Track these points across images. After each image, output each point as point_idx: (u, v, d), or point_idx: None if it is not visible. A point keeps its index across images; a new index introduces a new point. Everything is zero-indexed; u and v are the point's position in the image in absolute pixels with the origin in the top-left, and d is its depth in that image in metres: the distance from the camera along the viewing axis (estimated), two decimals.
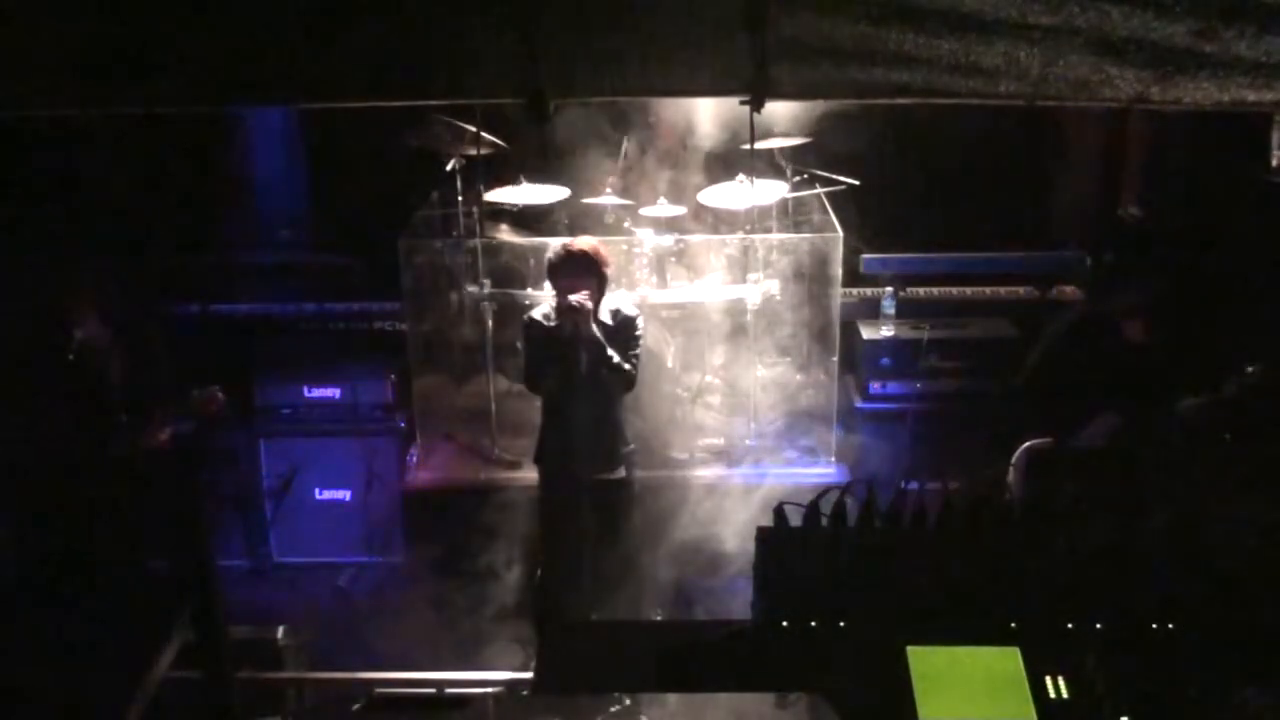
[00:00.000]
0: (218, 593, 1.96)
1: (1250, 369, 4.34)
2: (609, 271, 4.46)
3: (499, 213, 6.02)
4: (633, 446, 4.76)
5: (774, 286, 5.74)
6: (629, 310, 4.53)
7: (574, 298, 4.23)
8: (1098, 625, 1.93)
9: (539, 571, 4.76)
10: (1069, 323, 4.86)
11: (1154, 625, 1.92)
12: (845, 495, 2.26)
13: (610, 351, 4.34)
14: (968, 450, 5.50)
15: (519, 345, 4.56)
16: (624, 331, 4.45)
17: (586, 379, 4.29)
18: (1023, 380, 4.85)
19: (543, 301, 4.78)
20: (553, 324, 4.36)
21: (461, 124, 5.50)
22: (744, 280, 5.66)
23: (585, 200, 6.01)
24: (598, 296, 4.37)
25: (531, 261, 5.65)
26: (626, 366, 4.40)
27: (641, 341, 4.55)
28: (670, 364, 5.70)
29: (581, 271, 4.27)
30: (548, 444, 4.59)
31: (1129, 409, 4.70)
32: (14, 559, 4.03)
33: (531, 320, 4.50)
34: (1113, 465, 4.49)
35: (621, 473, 4.66)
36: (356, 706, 3.71)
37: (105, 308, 4.66)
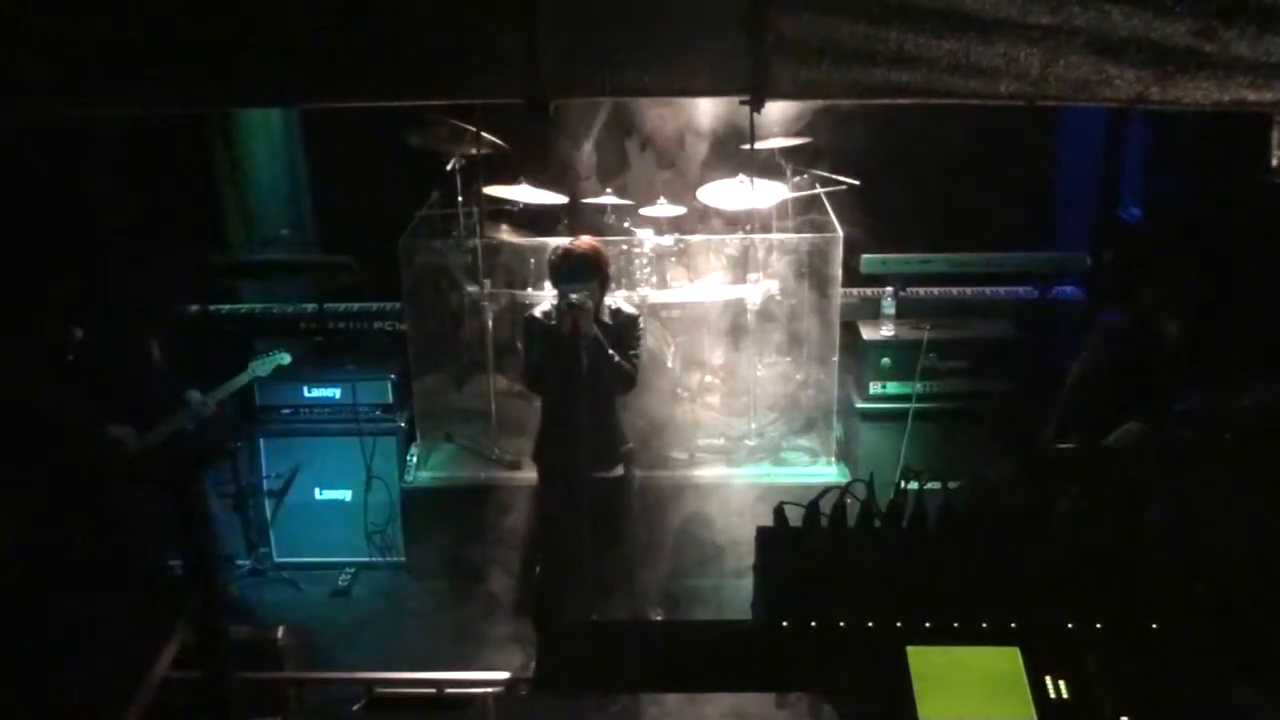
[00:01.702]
0: (218, 593, 1.96)
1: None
2: (610, 272, 4.47)
3: (499, 213, 6.02)
4: (631, 445, 4.76)
5: (774, 286, 5.74)
6: (629, 310, 4.54)
7: (574, 297, 4.24)
8: (1098, 625, 1.93)
9: (538, 571, 4.76)
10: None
11: (1154, 625, 1.92)
12: (845, 495, 2.26)
13: (610, 351, 4.34)
14: (968, 450, 5.52)
15: (519, 345, 4.56)
16: (624, 331, 4.46)
17: (586, 378, 4.29)
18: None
19: (543, 301, 4.78)
20: (553, 323, 4.37)
21: (461, 124, 5.51)
22: (744, 280, 5.66)
23: (585, 200, 6.02)
24: (599, 297, 4.38)
25: (531, 261, 5.65)
26: (626, 366, 4.41)
27: (642, 341, 4.56)
28: (670, 364, 5.70)
29: (582, 272, 4.28)
30: (547, 443, 4.59)
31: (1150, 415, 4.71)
32: (15, 558, 4.03)
33: (532, 318, 4.50)
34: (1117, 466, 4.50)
35: (620, 471, 4.66)
36: (356, 706, 3.71)
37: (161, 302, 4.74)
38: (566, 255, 4.31)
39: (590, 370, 4.29)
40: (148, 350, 4.88)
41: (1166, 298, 4.66)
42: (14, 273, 5.07)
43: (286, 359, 5.00)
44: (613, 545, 4.91)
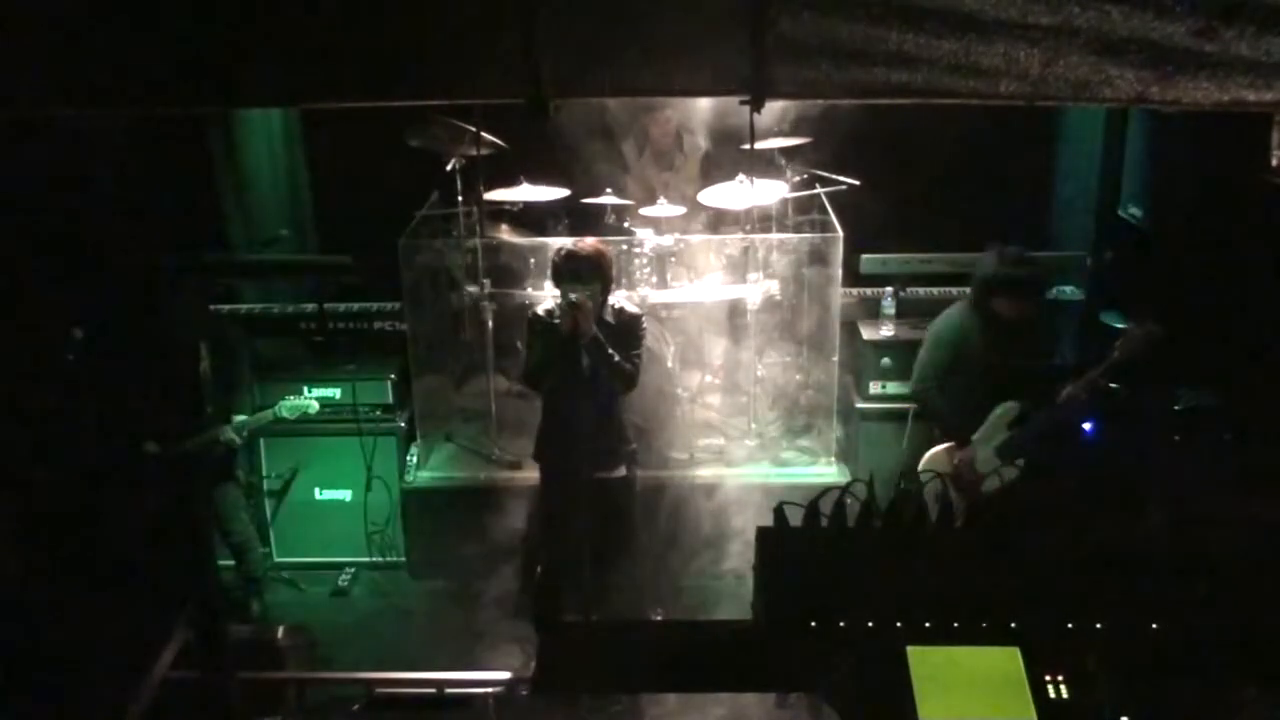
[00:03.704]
0: (218, 593, 1.96)
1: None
2: (612, 273, 4.47)
3: (499, 213, 6.02)
4: (633, 445, 4.76)
5: (774, 286, 5.74)
6: (632, 310, 4.53)
7: (575, 296, 4.24)
8: (1098, 625, 1.93)
9: (539, 571, 4.75)
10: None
11: (1154, 625, 1.92)
12: (845, 495, 2.26)
13: (611, 351, 4.34)
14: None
15: (519, 345, 4.56)
16: (626, 331, 4.46)
17: (588, 378, 4.29)
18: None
19: (544, 300, 4.78)
20: (555, 322, 4.37)
21: (461, 124, 5.51)
22: (744, 280, 5.66)
23: (585, 200, 6.02)
24: (601, 297, 4.38)
25: (531, 261, 5.65)
26: (627, 366, 4.40)
27: (644, 342, 4.56)
28: (670, 364, 5.70)
29: (585, 272, 4.28)
30: (548, 442, 4.59)
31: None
32: (15, 558, 4.03)
33: (535, 317, 4.50)
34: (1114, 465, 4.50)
35: (622, 471, 4.66)
36: (356, 706, 3.71)
37: (197, 308, 4.72)
38: (569, 256, 4.31)
39: (591, 369, 4.29)
40: (194, 363, 4.86)
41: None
42: (13, 274, 5.07)
43: (314, 408, 5.05)
44: (614, 545, 4.91)
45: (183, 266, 4.96)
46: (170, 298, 4.64)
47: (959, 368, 4.86)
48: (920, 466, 4.94)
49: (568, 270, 4.29)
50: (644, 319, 4.55)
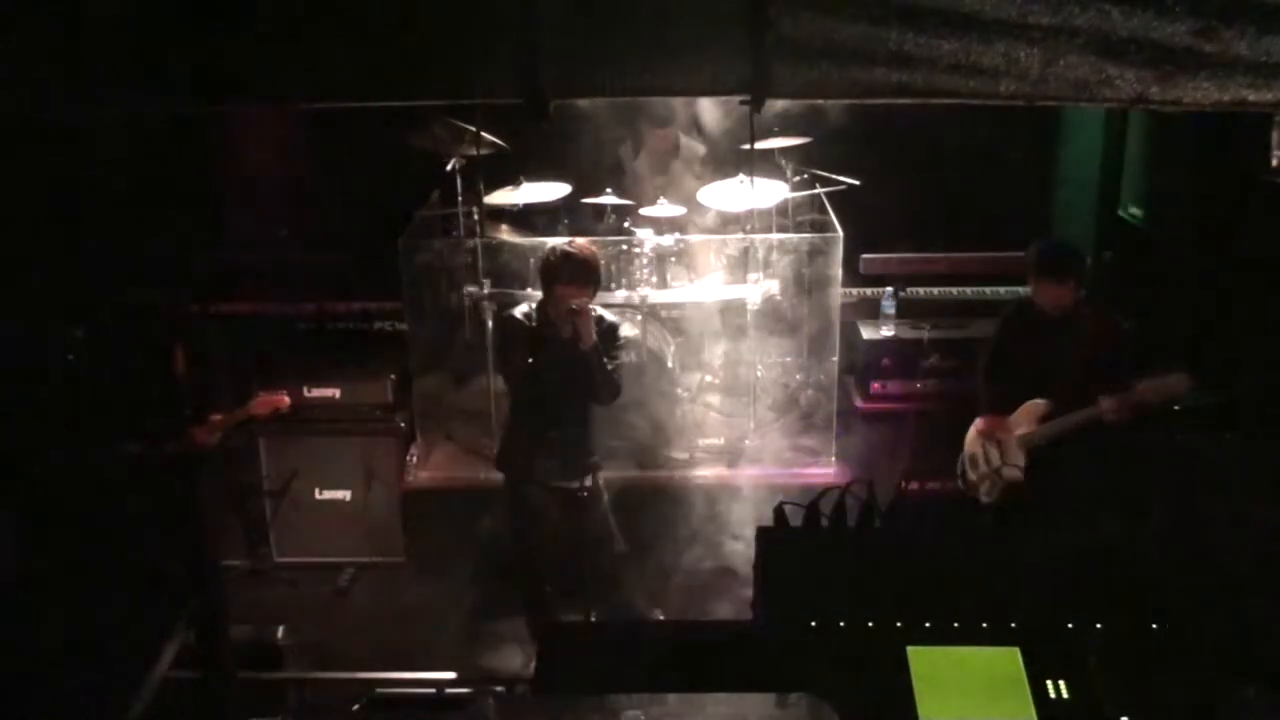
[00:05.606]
0: (218, 593, 1.96)
1: None
2: (600, 276, 4.44)
3: (499, 213, 6.02)
4: (595, 458, 4.67)
5: (774, 286, 5.74)
6: (610, 318, 4.49)
7: (576, 302, 4.20)
8: (1098, 625, 1.93)
9: (522, 577, 4.72)
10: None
11: (1154, 625, 1.92)
12: (845, 495, 2.26)
13: (605, 359, 4.31)
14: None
15: (500, 345, 4.50)
16: (607, 339, 4.40)
17: (571, 384, 4.24)
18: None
19: (523, 303, 4.73)
20: (533, 324, 4.31)
21: (461, 124, 5.51)
22: (744, 280, 5.66)
23: (585, 200, 6.02)
24: (591, 300, 4.32)
25: (531, 261, 5.65)
26: (616, 375, 4.38)
27: (623, 350, 4.51)
28: (670, 364, 5.70)
29: (580, 275, 4.23)
30: (513, 448, 4.53)
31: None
32: (16, 558, 4.03)
33: (511, 319, 4.42)
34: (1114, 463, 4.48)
35: (587, 482, 4.57)
36: (356, 706, 3.71)
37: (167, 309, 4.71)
38: (567, 256, 4.24)
39: (580, 376, 4.25)
40: (170, 360, 4.85)
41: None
42: (15, 275, 5.07)
43: (285, 403, 5.06)
44: (589, 554, 4.81)
45: (152, 266, 4.95)
46: (140, 297, 4.63)
47: (1007, 352, 4.74)
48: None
49: (566, 271, 4.23)
50: (622, 326, 4.51)
